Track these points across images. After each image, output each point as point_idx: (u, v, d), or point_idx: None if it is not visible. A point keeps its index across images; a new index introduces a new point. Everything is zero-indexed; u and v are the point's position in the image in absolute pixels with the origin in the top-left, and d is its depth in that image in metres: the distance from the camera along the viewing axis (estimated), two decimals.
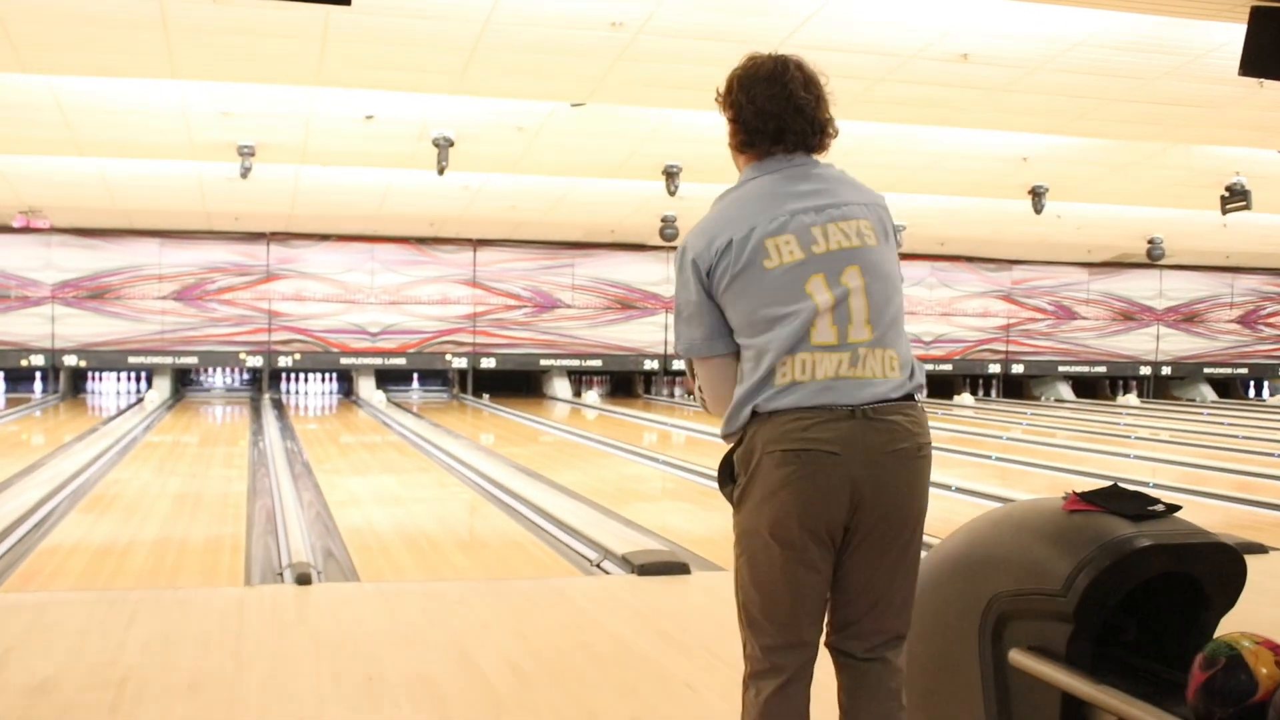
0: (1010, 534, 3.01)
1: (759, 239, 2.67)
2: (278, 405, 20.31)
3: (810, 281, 2.64)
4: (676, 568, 6.33)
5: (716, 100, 2.84)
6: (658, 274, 23.36)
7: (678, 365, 23.52)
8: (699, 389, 2.86)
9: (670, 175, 14.90)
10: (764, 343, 2.65)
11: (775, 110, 2.72)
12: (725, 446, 2.81)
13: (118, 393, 22.37)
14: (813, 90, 2.77)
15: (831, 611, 2.76)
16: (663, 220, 19.06)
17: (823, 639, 2.77)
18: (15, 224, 19.75)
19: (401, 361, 22.76)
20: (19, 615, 5.27)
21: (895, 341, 2.69)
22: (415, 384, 24.20)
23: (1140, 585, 2.81)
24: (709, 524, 8.39)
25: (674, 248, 22.05)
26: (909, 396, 2.69)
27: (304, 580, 5.98)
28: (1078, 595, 2.70)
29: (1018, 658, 2.83)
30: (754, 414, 2.67)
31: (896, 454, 2.63)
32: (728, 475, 2.79)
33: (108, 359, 21.69)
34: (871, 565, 2.69)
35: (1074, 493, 2.94)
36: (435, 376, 24.16)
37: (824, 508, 2.61)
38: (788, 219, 2.68)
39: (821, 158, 2.82)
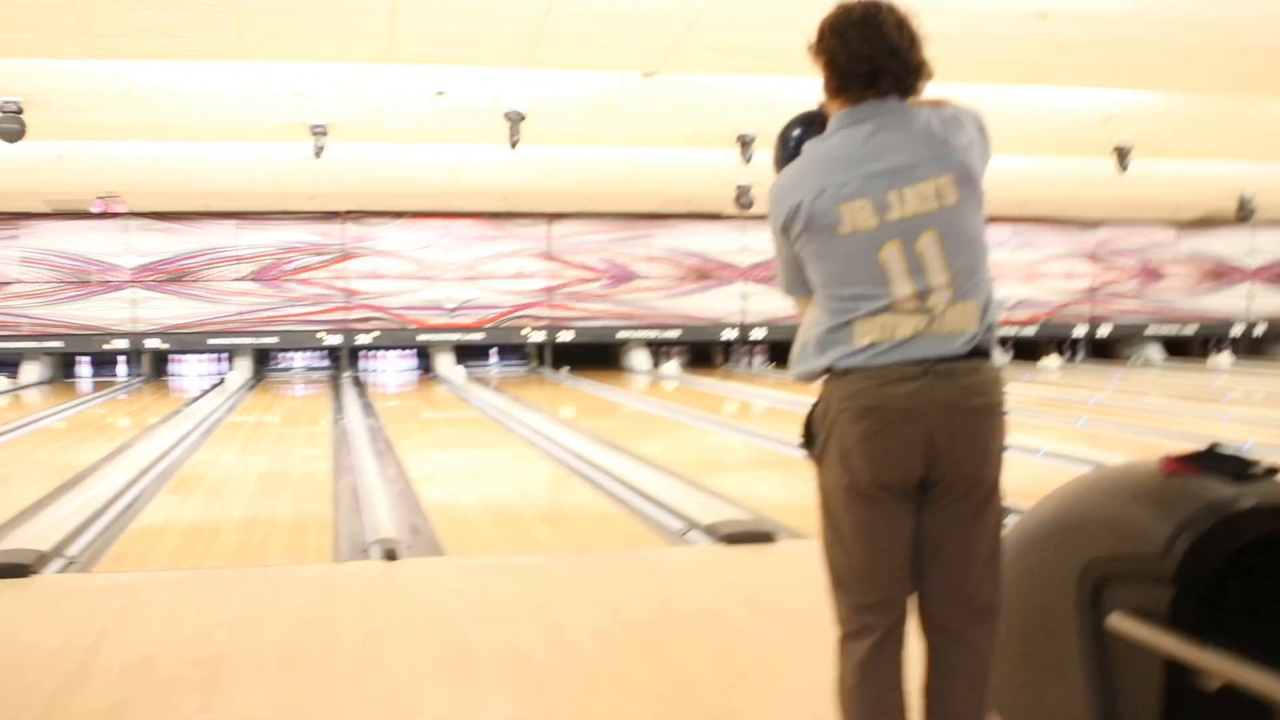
0: (1106, 497, 2.99)
1: (830, 203, 2.72)
2: (358, 383, 20.50)
3: (885, 249, 2.69)
4: (762, 536, 6.35)
5: (808, 50, 2.84)
6: (734, 243, 23.28)
7: (756, 335, 23.51)
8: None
9: (744, 143, 14.82)
10: (844, 306, 2.73)
11: (868, 53, 2.73)
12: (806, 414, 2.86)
13: (200, 374, 22.71)
14: (906, 32, 2.77)
15: (917, 580, 2.81)
16: (738, 189, 18.96)
17: (913, 613, 2.83)
18: (94, 209, 20.10)
19: (479, 336, 22.91)
20: (114, 596, 5.39)
21: (975, 293, 2.72)
22: (494, 358, 24.37)
23: (1242, 548, 2.77)
24: (793, 492, 8.37)
25: (749, 217, 22.09)
26: (980, 352, 2.72)
27: (392, 556, 6.06)
28: (1178, 558, 2.68)
29: (1118, 622, 2.80)
30: (829, 370, 2.77)
31: (969, 410, 2.68)
32: (809, 436, 2.87)
33: (188, 341, 22.02)
34: (948, 522, 2.74)
35: (1172, 455, 2.91)
36: (513, 351, 24.30)
37: (898, 462, 2.68)
38: (862, 183, 2.71)
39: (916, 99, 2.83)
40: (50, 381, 21.79)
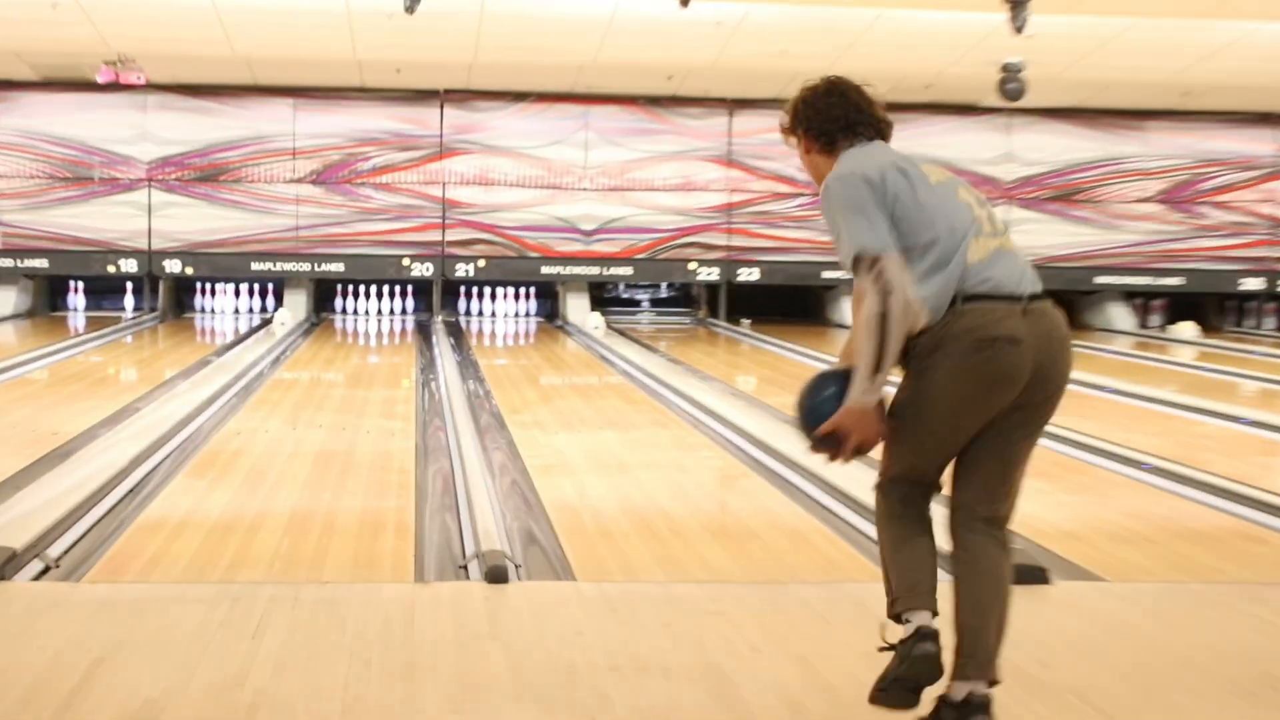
0: None
1: (910, 166, 4.39)
2: (454, 331, 20.70)
3: (960, 191, 4.43)
4: (1028, 573, 6.20)
5: (783, 132, 4.71)
6: (994, 147, 23.06)
7: None
8: (886, 292, 4.16)
9: (1016, 3, 14.62)
10: (951, 243, 4.27)
11: (840, 113, 4.53)
12: None
13: (236, 311, 23.15)
14: (865, 96, 4.58)
15: (963, 487, 4.39)
16: (1003, 69, 18.73)
17: (948, 518, 4.41)
18: (100, 78, 20.42)
19: (626, 271, 22.94)
20: (111, 615, 5.46)
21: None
22: (645, 303, 24.41)
23: None
24: (1073, 511, 8.23)
25: (1019, 111, 21.79)
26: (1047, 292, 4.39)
27: (497, 576, 6.07)
28: None
29: None
30: (955, 299, 4.23)
31: (1061, 341, 4.30)
32: (908, 353, 4.28)
33: (223, 265, 22.43)
34: (1015, 441, 4.32)
35: None
36: (674, 293, 24.33)
37: (1001, 391, 4.19)
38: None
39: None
40: (30, 315, 22.34)
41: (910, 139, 22.76)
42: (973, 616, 4.24)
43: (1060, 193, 23.40)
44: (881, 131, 4.56)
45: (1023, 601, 5.86)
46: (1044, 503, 8.56)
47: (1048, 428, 4.36)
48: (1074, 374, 4.31)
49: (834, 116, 4.50)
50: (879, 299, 4.13)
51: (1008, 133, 22.97)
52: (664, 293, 24.61)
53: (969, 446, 4.29)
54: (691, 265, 22.94)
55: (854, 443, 4.30)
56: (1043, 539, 7.22)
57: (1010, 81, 18.87)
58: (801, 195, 22.89)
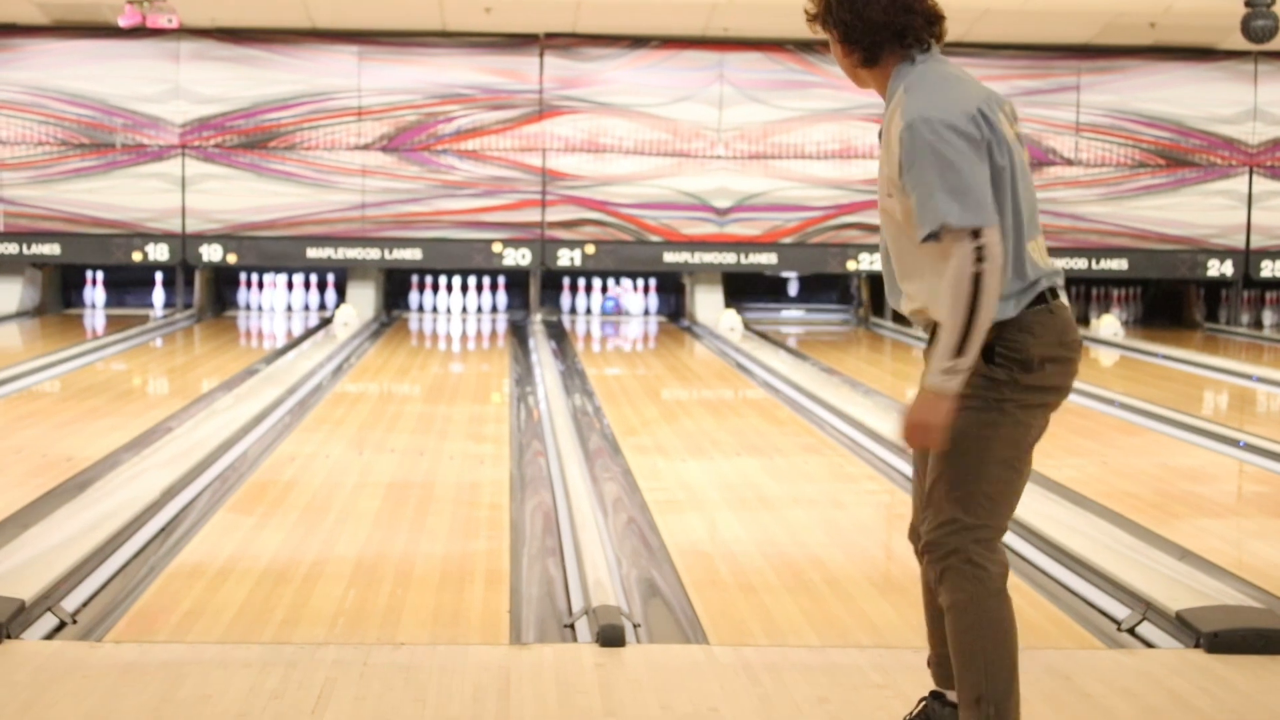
0: None
1: (994, 113, 4.47)
2: (556, 333, 20.72)
3: (1023, 173, 4.59)
4: (1276, 640, 6.15)
5: (811, 20, 4.63)
6: (1232, 101, 22.81)
7: (1270, 269, 22.87)
8: (987, 267, 4.25)
9: None
10: (1020, 225, 4.49)
11: (884, 17, 4.44)
12: None
13: (289, 309, 23.24)
14: None
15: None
16: (1249, 2, 18.52)
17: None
18: (122, 21, 20.51)
19: (769, 259, 22.89)
20: (139, 682, 5.51)
21: None
22: (794, 300, 24.34)
23: None
24: None
25: (1269, 54, 21.54)
26: None
27: (612, 638, 6.08)
28: None
29: None
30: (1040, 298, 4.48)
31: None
32: (1021, 360, 4.45)
33: (272, 252, 22.48)
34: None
35: None
36: (829, 287, 24.26)
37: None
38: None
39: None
40: (38, 313, 22.48)
41: (1129, 92, 22.69)
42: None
43: None
44: (938, 35, 4.50)
45: (1269, 676, 5.83)
46: None
47: None
48: None
49: (876, 22, 4.44)
50: (973, 260, 4.17)
51: (1252, 84, 22.82)
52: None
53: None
54: (851, 264, 22.73)
55: (918, 443, 4.48)
56: None
57: (1258, 18, 18.68)
58: None
